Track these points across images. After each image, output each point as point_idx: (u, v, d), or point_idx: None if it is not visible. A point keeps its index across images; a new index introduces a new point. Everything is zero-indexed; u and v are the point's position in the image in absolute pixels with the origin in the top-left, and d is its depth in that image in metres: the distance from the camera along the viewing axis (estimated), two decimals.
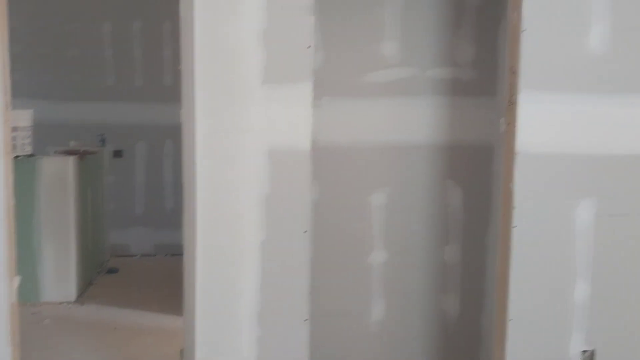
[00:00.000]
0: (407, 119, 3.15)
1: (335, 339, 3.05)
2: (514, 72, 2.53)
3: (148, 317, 4.29)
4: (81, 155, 4.72)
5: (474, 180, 3.21)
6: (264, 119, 2.32)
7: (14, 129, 4.16)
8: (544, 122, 2.53)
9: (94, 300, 4.59)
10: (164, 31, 6.71)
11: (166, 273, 5.56)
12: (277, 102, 2.31)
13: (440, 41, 3.14)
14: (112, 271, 5.39)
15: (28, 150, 4.37)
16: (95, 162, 5.19)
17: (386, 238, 3.13)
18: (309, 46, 2.33)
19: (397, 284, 3.16)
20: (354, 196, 3.10)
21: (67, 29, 6.46)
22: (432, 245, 3.18)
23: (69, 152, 4.76)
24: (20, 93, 5.95)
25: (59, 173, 4.41)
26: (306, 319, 2.38)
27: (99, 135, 5.64)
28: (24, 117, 4.36)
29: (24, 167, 4.26)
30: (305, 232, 2.36)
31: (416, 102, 3.14)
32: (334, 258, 3.05)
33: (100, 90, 6.58)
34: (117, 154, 6.07)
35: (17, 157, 4.18)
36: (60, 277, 4.47)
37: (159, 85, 6.70)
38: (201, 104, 2.30)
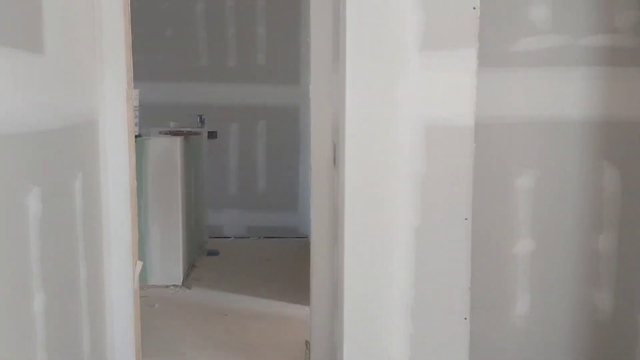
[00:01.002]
0: (557, 93, 2.81)
1: (476, 333, 2.77)
2: None
3: (256, 302, 4.16)
4: (186, 135, 4.62)
5: (633, 161, 2.84)
6: (420, 90, 2.06)
7: None
8: None
9: (200, 284, 4.51)
10: (258, 8, 6.55)
11: (266, 256, 5.44)
12: (436, 71, 2.05)
13: (597, 4, 2.77)
14: (212, 253, 5.31)
15: (135, 130, 4.29)
16: (197, 143, 5.10)
17: (533, 226, 2.81)
18: (475, 7, 2.05)
19: (544, 275, 2.85)
20: (497, 179, 2.80)
21: (162, 8, 6.39)
22: (584, 233, 2.84)
23: (173, 133, 4.67)
24: None
25: (166, 154, 4.32)
26: (466, 317, 2.13)
27: (198, 115, 5.55)
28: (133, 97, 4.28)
29: None
30: (465, 219, 2.11)
31: (568, 74, 2.79)
32: (475, 246, 2.76)
33: (194, 71, 6.50)
34: (211, 135, 5.96)
35: None
36: (167, 260, 4.40)
37: (251, 64, 6.56)
38: (351, 73, 2.06)
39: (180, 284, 4.44)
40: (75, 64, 2.47)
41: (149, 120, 6.15)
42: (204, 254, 5.30)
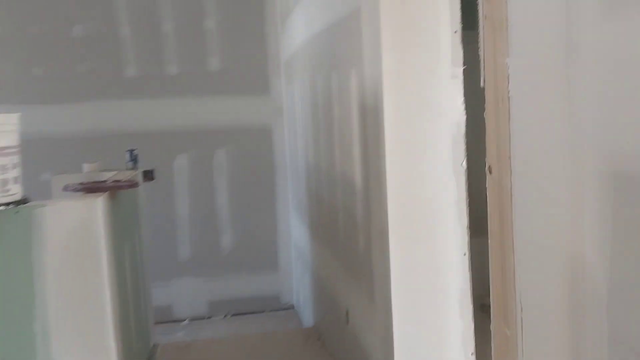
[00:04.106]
0: None
1: None
2: None
3: None
4: (111, 190, 2.65)
5: None
6: None
7: None
8: None
9: None
10: None
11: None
12: None
13: None
14: None
15: (16, 192, 2.30)
16: (132, 198, 3.14)
17: None
18: None
19: None
20: None
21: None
22: None
23: (88, 188, 2.69)
24: None
25: (79, 231, 2.35)
26: None
27: (128, 150, 3.57)
28: (6, 132, 2.29)
29: (13, 227, 2.22)
30: None
31: None
32: None
33: (117, 84, 4.53)
34: (146, 175, 3.96)
35: None
36: None
37: (201, 71, 4.65)
38: None
39: None
40: None
41: (44, 164, 4.16)
42: None
